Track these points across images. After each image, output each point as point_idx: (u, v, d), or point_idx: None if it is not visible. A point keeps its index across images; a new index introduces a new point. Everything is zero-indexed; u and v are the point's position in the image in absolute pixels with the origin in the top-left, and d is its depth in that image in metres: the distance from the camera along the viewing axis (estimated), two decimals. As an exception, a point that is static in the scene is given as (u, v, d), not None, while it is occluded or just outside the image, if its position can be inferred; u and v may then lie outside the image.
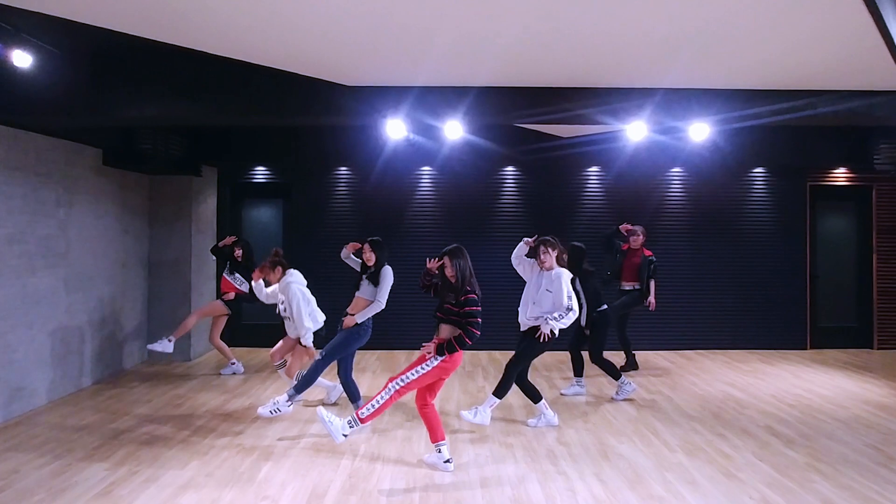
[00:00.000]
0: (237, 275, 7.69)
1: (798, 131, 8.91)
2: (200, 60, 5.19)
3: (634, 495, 4.22)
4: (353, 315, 5.66)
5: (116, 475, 4.50)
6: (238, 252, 7.64)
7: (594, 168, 9.48)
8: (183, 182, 8.60)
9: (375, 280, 5.68)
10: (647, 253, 7.84)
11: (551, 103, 5.50)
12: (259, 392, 6.88)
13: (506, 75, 5.38)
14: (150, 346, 7.37)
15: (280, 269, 6.32)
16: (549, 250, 5.56)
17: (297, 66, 5.29)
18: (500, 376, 5.76)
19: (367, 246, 5.71)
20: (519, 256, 5.76)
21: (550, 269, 5.57)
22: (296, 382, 5.66)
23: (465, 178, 9.34)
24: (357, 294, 5.76)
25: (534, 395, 5.71)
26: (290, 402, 5.54)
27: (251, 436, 5.39)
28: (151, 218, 8.55)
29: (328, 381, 6.50)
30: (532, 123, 5.84)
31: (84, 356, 7.03)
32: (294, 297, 6.09)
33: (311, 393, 6.77)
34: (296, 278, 6.23)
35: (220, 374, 7.62)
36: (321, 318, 6.31)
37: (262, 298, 6.46)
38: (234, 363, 7.69)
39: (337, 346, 5.66)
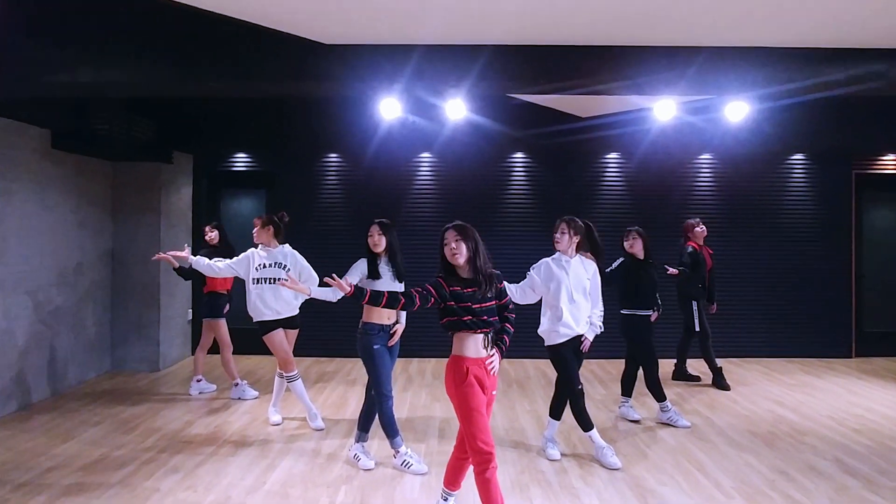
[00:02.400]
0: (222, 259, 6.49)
1: (842, 112, 7.91)
2: (147, 9, 4.21)
3: (691, 566, 3.23)
4: (399, 322, 4.59)
5: (23, 534, 3.53)
6: (213, 235, 6.51)
7: (613, 154, 8.46)
8: (151, 170, 7.61)
9: (401, 273, 4.60)
10: (709, 250, 7.20)
11: (580, 67, 4.48)
12: (229, 413, 5.90)
13: (525, 31, 4.36)
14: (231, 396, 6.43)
15: (273, 230, 5.49)
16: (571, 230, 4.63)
17: (262, 18, 4.29)
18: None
19: (375, 228, 4.49)
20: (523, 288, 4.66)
21: (572, 254, 4.66)
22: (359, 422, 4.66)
23: (469, 165, 8.34)
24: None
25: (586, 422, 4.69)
26: (363, 444, 4.63)
27: (208, 473, 4.40)
28: (115, 210, 7.56)
29: (311, 403, 5.53)
30: (554, 92, 4.83)
31: (26, 370, 6.04)
32: (301, 259, 5.54)
33: (292, 410, 5.80)
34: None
35: (231, 398, 6.38)
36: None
37: (207, 271, 5.48)
38: (238, 383, 6.42)
39: (376, 368, 4.44)
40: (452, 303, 3.26)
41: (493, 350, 3.38)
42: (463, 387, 3.25)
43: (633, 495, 4.06)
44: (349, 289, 3.28)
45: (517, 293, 4.57)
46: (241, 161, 8.59)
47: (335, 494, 4.06)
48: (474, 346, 3.30)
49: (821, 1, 3.93)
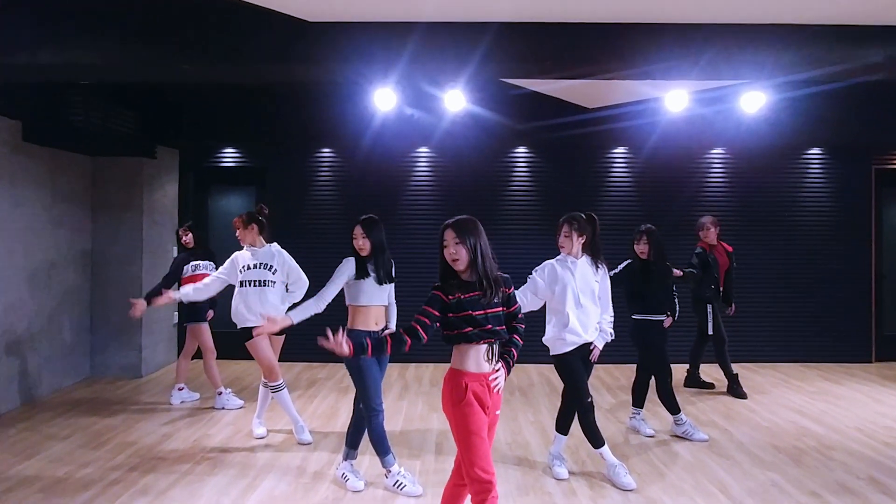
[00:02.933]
0: (201, 263, 6.09)
1: (861, 103, 7.47)
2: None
3: None
4: (388, 328, 4.19)
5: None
6: (187, 238, 6.09)
7: (621, 149, 8.05)
8: (133, 165, 7.21)
9: (390, 275, 4.17)
10: (728, 247, 6.77)
11: (590, 45, 4.07)
12: (210, 424, 5.49)
13: (536, 6, 3.94)
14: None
15: (257, 228, 5.08)
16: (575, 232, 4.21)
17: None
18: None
19: (358, 230, 4.05)
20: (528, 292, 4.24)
21: (579, 254, 4.23)
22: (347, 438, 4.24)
23: (469, 160, 7.92)
24: (369, 304, 4.05)
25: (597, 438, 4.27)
26: (352, 462, 4.22)
27: (180, 495, 3.98)
28: (94, 207, 7.15)
29: (297, 415, 5.13)
30: (563, 76, 4.43)
31: (-6, 378, 5.65)
32: (290, 260, 5.15)
33: (278, 422, 5.39)
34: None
35: (214, 407, 5.95)
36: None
37: (198, 296, 5.14)
38: (221, 392, 6.00)
39: (363, 380, 4.00)
40: (452, 314, 2.85)
41: (499, 364, 2.96)
42: (461, 406, 2.84)
43: (651, 521, 3.66)
44: (347, 351, 2.83)
45: (518, 299, 4.16)
46: (229, 156, 8.18)
47: (319, 520, 3.66)
48: (476, 358, 2.88)
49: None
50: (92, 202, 7.13)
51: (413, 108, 7.30)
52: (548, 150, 7.99)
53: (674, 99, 6.78)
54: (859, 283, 8.04)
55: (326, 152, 8.06)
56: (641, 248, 5.13)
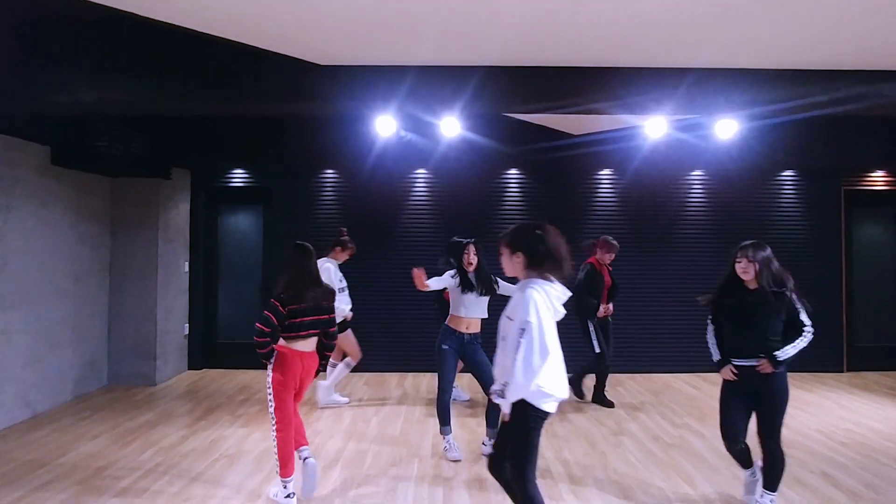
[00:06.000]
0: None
1: (832, 129, 8.04)
2: (145, 31, 4.33)
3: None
4: None
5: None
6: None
7: (606, 171, 8.59)
8: (149, 185, 7.72)
9: (490, 288, 5.01)
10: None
11: (571, 87, 4.61)
12: (224, 426, 5.95)
13: (517, 52, 4.48)
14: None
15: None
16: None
17: (259, 40, 4.42)
18: None
19: (471, 248, 5.01)
20: None
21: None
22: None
23: (464, 181, 8.46)
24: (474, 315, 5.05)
25: None
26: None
27: (199, 497, 4.46)
28: (113, 225, 7.65)
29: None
30: (546, 111, 4.96)
31: (25, 384, 6.11)
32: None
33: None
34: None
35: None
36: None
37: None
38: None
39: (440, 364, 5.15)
40: None
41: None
42: None
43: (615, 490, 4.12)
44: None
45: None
46: (238, 177, 8.69)
47: (328, 507, 4.12)
48: None
49: (804, 25, 4.05)
50: (111, 221, 7.63)
51: (411, 133, 7.84)
52: (538, 173, 8.51)
53: (654, 126, 7.32)
54: (831, 297, 8.55)
55: (330, 173, 8.57)
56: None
